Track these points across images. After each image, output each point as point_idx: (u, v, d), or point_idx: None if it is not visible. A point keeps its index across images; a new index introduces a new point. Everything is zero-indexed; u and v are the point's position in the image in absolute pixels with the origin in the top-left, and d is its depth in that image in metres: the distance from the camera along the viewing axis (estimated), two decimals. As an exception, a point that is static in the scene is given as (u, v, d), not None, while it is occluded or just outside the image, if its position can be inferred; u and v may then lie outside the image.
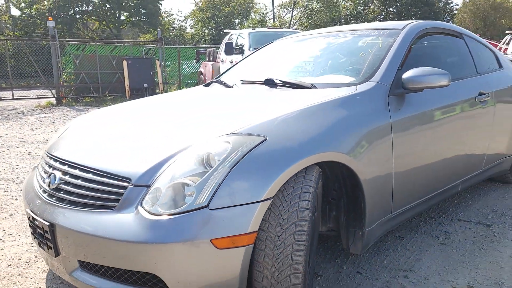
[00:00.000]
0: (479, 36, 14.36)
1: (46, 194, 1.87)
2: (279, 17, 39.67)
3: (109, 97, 12.76)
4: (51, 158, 2.06)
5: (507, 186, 3.50)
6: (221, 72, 10.15)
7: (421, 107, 2.33)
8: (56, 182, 1.84)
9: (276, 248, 1.59)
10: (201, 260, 1.49)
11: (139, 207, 1.56)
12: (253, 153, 1.60)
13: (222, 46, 10.67)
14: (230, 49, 9.10)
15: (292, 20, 35.92)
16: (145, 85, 12.64)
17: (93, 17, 36.12)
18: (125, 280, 1.62)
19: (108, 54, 13.06)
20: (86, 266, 1.73)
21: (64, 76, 12.33)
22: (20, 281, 2.20)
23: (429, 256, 2.33)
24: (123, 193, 1.62)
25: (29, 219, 1.91)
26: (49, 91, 12.32)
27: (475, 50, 3.11)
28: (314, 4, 35.07)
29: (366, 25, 2.96)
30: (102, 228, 1.57)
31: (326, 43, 2.91)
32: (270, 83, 2.52)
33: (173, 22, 42.70)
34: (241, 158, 1.57)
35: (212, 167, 1.57)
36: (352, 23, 37.65)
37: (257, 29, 10.51)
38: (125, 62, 12.34)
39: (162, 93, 12.93)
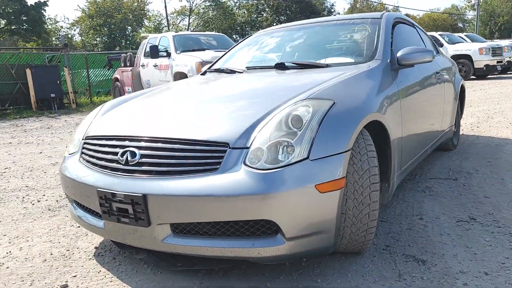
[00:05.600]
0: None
1: (123, 170, 1.93)
2: (173, 25, 39.49)
3: (10, 111, 11.66)
4: (112, 138, 2.10)
5: (448, 152, 4.22)
6: (142, 77, 10.05)
7: (409, 79, 2.81)
8: (137, 158, 1.91)
9: (356, 191, 1.89)
10: (308, 204, 1.73)
11: (244, 166, 1.74)
12: (330, 113, 1.88)
13: (141, 50, 10.52)
14: (156, 53, 9.04)
15: (190, 27, 36.05)
16: (53, 95, 11.85)
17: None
18: (224, 234, 1.79)
19: (5, 62, 11.97)
20: (177, 230, 1.84)
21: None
22: (73, 269, 2.17)
23: (427, 203, 2.81)
24: (222, 156, 1.78)
25: (101, 198, 1.94)
26: None
27: (424, 37, 3.74)
28: (210, 12, 35.73)
29: (344, 16, 3.40)
30: (209, 188, 1.72)
31: (316, 32, 3.28)
32: (281, 66, 2.80)
33: (59, 30, 39.96)
34: (323, 117, 1.84)
35: (299, 128, 1.81)
36: (247, 30, 39.15)
37: (180, 32, 10.57)
38: (28, 71, 11.44)
39: (72, 103, 12.25)
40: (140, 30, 39.02)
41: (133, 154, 1.94)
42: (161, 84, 9.45)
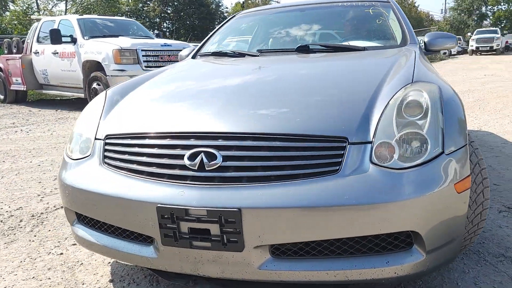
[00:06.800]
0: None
1: (195, 178, 1.42)
2: (45, 9, 35.46)
3: None
4: (164, 136, 1.55)
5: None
6: (36, 66, 8.64)
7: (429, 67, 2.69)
8: (217, 160, 1.42)
9: (470, 189, 1.65)
10: (447, 207, 1.44)
11: (373, 166, 1.38)
12: (444, 99, 1.61)
13: (33, 35, 9.05)
14: (59, 38, 7.80)
15: (68, 13, 32.66)
16: None
17: None
18: (345, 252, 1.42)
19: None
20: (277, 251, 1.43)
21: None
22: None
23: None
24: (341, 154, 1.40)
25: (164, 217, 1.40)
26: None
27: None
28: (91, -2, 32.82)
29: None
30: (332, 196, 1.33)
31: (322, 14, 2.97)
32: (304, 50, 2.45)
33: None
34: (441, 104, 1.57)
35: (419, 116, 1.51)
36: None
37: (85, 16, 9.29)
38: None
39: None
40: (4, 14, 34.26)
41: (212, 156, 1.43)
42: (63, 74, 8.25)
